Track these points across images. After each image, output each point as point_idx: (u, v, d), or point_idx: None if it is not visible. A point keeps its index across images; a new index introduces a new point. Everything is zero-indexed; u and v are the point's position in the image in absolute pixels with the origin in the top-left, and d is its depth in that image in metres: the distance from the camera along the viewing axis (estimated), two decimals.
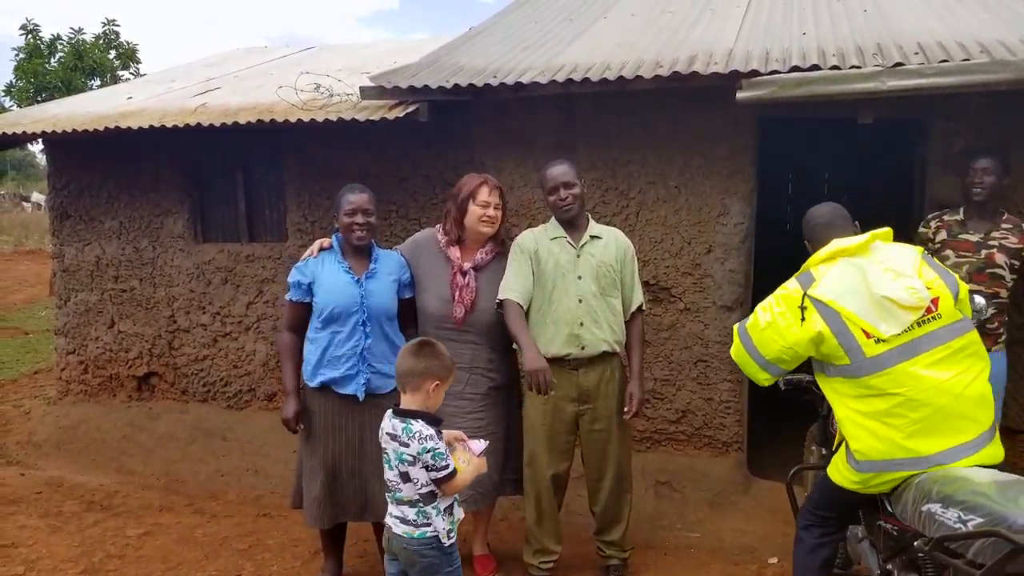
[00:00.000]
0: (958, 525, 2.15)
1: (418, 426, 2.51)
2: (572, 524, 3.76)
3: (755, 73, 3.62)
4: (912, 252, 2.60)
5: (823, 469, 3.11)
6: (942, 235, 3.60)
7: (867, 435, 2.46)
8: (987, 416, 2.46)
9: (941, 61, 3.43)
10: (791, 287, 2.62)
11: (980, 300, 2.98)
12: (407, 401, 2.58)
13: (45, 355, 7.68)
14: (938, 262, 2.65)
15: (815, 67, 3.58)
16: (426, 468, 2.50)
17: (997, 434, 2.50)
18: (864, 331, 2.45)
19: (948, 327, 2.47)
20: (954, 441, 2.41)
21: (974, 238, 3.53)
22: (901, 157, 4.81)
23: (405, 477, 2.52)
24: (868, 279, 2.48)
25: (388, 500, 2.63)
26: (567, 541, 3.51)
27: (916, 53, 3.62)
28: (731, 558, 3.66)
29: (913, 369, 2.42)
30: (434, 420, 2.56)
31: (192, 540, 3.94)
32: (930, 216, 3.72)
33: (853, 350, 2.47)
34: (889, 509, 2.53)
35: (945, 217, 3.64)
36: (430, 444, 2.48)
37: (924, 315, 2.45)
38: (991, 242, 3.51)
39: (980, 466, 2.40)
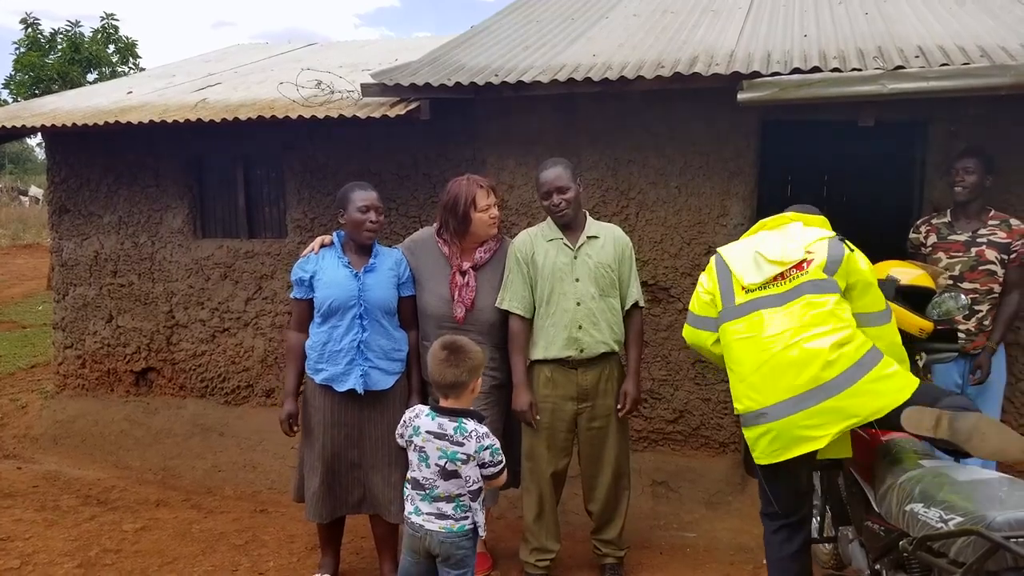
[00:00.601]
0: (939, 524, 2.17)
1: (472, 425, 2.57)
2: (568, 523, 3.77)
3: (756, 75, 3.63)
4: (817, 231, 2.72)
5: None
6: (932, 239, 3.69)
7: (735, 389, 2.67)
8: (820, 373, 2.48)
9: (942, 64, 3.45)
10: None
11: (963, 298, 3.01)
12: (451, 402, 2.61)
13: (42, 349, 7.67)
14: (847, 245, 2.66)
15: (816, 69, 3.59)
16: (481, 465, 2.56)
17: (859, 387, 2.47)
18: (740, 283, 2.70)
19: (811, 282, 2.58)
20: (785, 394, 2.50)
21: (963, 237, 3.61)
22: (901, 160, 4.82)
23: (449, 474, 2.55)
24: (758, 241, 2.74)
25: (414, 499, 2.63)
26: (563, 540, 3.51)
27: (917, 56, 3.64)
28: (727, 558, 3.67)
29: (766, 313, 2.62)
30: (481, 417, 2.64)
31: (189, 535, 3.94)
32: (919, 221, 3.81)
33: (726, 295, 2.75)
34: (876, 509, 2.55)
35: (933, 220, 3.73)
36: (487, 442, 2.56)
37: (793, 271, 2.62)
38: (979, 239, 3.58)
39: (830, 424, 2.47)
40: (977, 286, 3.56)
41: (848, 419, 2.46)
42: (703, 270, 2.93)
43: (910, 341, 2.91)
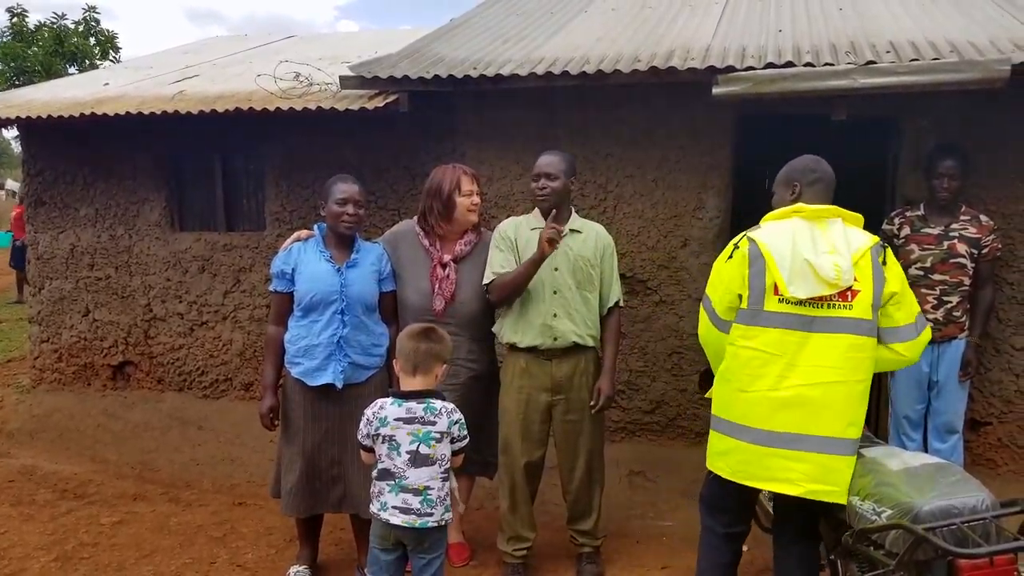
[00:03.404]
0: (874, 517, 2.24)
1: (439, 403, 2.63)
2: (546, 513, 3.80)
3: (731, 69, 3.67)
4: (865, 239, 2.48)
5: None
6: (906, 231, 3.75)
7: (731, 396, 2.50)
8: (836, 427, 2.39)
9: (912, 60, 3.50)
10: (737, 237, 2.58)
11: None
12: (418, 383, 2.64)
13: (19, 343, 7.60)
14: (892, 261, 2.52)
15: (789, 64, 3.63)
16: (451, 441, 2.63)
17: (838, 461, 2.40)
18: (775, 284, 2.40)
19: (852, 320, 2.39)
20: (790, 427, 2.39)
21: (935, 231, 3.68)
22: (875, 155, 4.88)
23: (419, 461, 2.58)
24: (802, 240, 2.41)
25: (382, 492, 2.63)
26: (541, 530, 3.54)
27: (888, 52, 3.69)
28: None
29: (804, 336, 2.39)
30: (443, 396, 2.70)
31: (166, 528, 3.93)
32: (893, 213, 3.88)
33: (756, 295, 2.44)
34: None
35: (907, 213, 3.80)
36: (456, 416, 2.66)
37: (837, 299, 2.39)
38: (952, 233, 3.66)
39: (809, 480, 2.39)
40: (947, 278, 3.63)
41: (821, 484, 2.39)
42: (726, 257, 2.55)
43: None
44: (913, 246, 3.70)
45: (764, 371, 2.42)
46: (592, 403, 3.30)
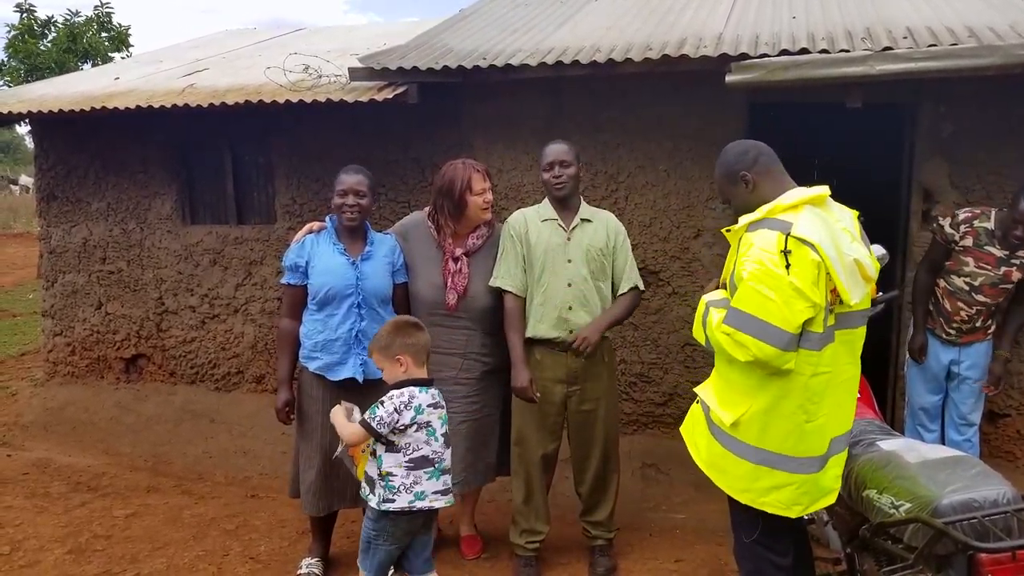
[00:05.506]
0: (892, 511, 2.21)
1: (435, 388, 2.75)
2: (559, 506, 3.78)
3: (744, 57, 3.61)
4: (851, 215, 2.30)
5: None
6: (968, 241, 3.51)
7: (800, 430, 2.21)
8: (851, 419, 2.36)
9: (929, 45, 3.43)
10: (769, 239, 2.12)
11: (882, 250, 2.79)
12: (424, 372, 2.75)
13: (33, 337, 7.65)
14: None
15: (804, 51, 3.57)
16: None
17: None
18: (833, 291, 2.12)
19: (865, 311, 2.29)
20: (842, 430, 2.31)
21: (999, 253, 3.47)
22: (891, 142, 4.82)
23: (448, 442, 2.72)
24: (836, 236, 2.13)
25: (419, 481, 2.63)
26: (553, 523, 3.52)
27: (905, 37, 3.63)
28: (715, 539, 3.69)
29: (840, 338, 2.20)
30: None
31: (179, 521, 3.94)
32: (961, 217, 3.53)
33: (826, 313, 2.13)
34: (841, 493, 2.53)
35: (976, 223, 3.50)
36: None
37: None
38: (1014, 260, 3.47)
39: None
40: (988, 300, 3.51)
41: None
42: (780, 265, 2.08)
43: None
44: (970, 259, 3.49)
45: (826, 393, 2.20)
46: (574, 343, 3.17)
